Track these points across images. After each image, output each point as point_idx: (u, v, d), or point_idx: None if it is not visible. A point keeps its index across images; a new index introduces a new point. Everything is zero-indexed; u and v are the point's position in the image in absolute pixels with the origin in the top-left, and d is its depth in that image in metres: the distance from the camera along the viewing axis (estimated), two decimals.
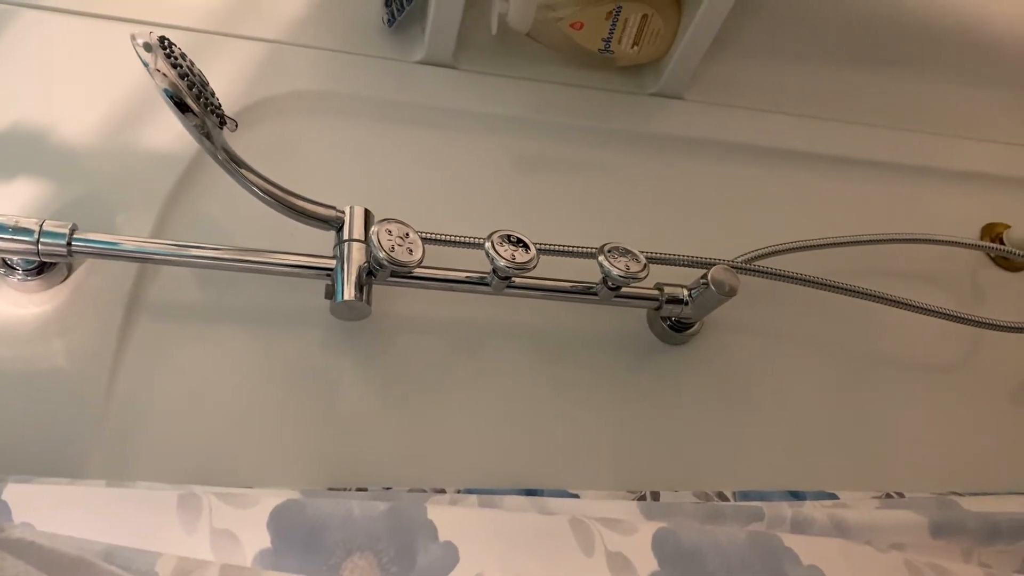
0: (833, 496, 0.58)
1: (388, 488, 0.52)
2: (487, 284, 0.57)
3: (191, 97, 0.47)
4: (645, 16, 0.66)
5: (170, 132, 0.59)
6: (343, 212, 0.56)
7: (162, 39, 0.48)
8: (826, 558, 0.45)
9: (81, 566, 0.28)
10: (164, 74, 0.46)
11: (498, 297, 0.58)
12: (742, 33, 0.72)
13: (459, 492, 0.51)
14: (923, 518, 0.51)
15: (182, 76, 0.47)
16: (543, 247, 0.56)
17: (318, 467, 0.55)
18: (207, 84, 0.50)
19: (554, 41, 0.68)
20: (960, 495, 0.59)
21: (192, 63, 0.49)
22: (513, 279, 0.57)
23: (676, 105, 0.73)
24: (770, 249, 0.65)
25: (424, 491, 0.52)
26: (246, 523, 0.41)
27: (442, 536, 0.42)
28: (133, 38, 0.47)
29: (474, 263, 0.57)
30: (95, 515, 0.40)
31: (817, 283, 0.63)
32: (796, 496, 0.58)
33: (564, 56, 0.71)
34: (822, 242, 0.66)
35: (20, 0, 0.61)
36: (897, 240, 0.69)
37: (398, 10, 0.66)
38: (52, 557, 0.27)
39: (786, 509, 0.51)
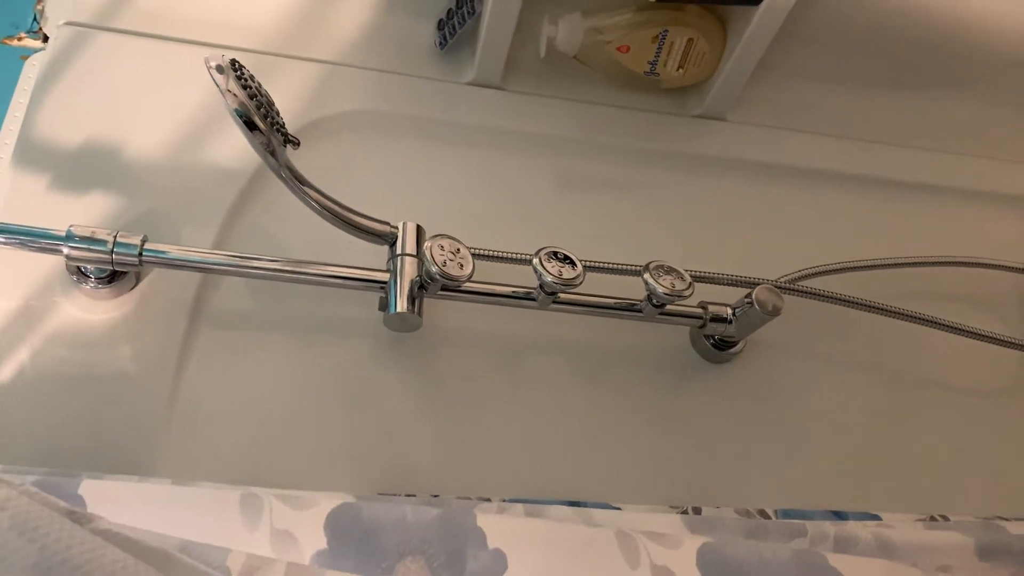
0: (876, 517, 0.58)
1: (436, 496, 0.54)
2: (533, 299, 0.58)
3: (259, 116, 0.50)
4: (691, 40, 0.67)
5: (232, 149, 0.62)
6: (396, 228, 0.58)
7: (233, 62, 0.50)
8: None
9: (164, 557, 0.30)
10: (235, 95, 0.49)
11: (541, 312, 0.59)
12: (786, 55, 0.73)
13: (504, 501, 0.52)
14: (970, 539, 0.51)
15: (251, 97, 0.50)
16: (588, 264, 0.58)
17: (368, 473, 0.56)
18: (273, 104, 0.53)
19: (601, 63, 0.70)
20: (1006, 519, 0.58)
21: (260, 84, 0.52)
22: (559, 295, 0.58)
23: (720, 126, 0.74)
24: (814, 270, 0.65)
25: (471, 499, 0.53)
26: (304, 524, 0.43)
27: (491, 543, 0.43)
28: (207, 61, 0.49)
29: (520, 278, 0.58)
30: (163, 511, 0.42)
31: (862, 305, 0.64)
32: (839, 516, 0.58)
33: (610, 78, 0.73)
34: (867, 264, 0.67)
35: (97, 23, 0.65)
36: (944, 263, 0.69)
37: (450, 33, 0.69)
38: (140, 548, 0.29)
39: (829, 527, 0.51)
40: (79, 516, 0.29)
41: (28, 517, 0.25)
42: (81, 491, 0.43)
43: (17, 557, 0.25)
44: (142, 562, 0.27)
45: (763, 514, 0.57)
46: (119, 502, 0.43)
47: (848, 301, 0.63)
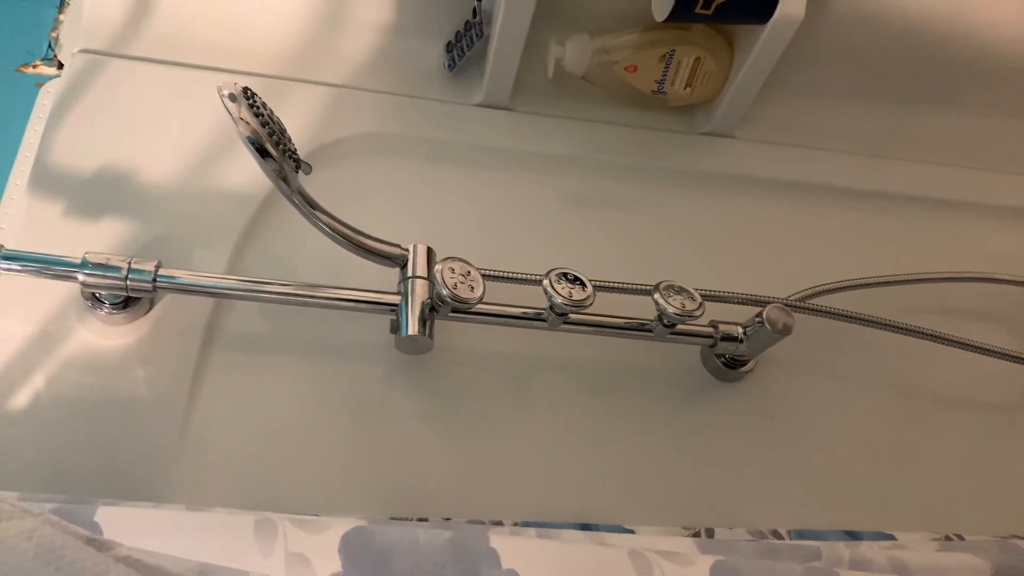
0: (891, 537, 0.57)
1: (448, 519, 0.54)
2: (543, 320, 0.58)
3: (271, 143, 0.51)
4: (698, 59, 0.68)
5: (244, 174, 0.63)
6: (407, 250, 0.58)
7: (245, 89, 0.51)
8: None
9: None
10: (247, 122, 0.50)
11: (551, 333, 0.59)
12: (793, 73, 0.73)
13: (516, 525, 0.52)
14: (985, 562, 0.50)
15: (263, 124, 0.51)
16: (598, 284, 0.58)
17: (380, 496, 0.57)
18: (285, 131, 0.53)
19: (608, 83, 0.70)
20: (1021, 538, 0.58)
21: (272, 111, 0.52)
22: (569, 315, 0.58)
23: (727, 144, 0.74)
24: (824, 287, 0.65)
25: (483, 523, 0.53)
26: (318, 548, 0.43)
27: (505, 564, 0.43)
28: (219, 90, 0.50)
29: (530, 299, 0.58)
30: (179, 537, 0.43)
31: (874, 322, 0.63)
32: (852, 536, 0.58)
33: (618, 97, 0.73)
34: (877, 280, 0.66)
35: (111, 51, 0.66)
36: (955, 279, 0.68)
37: (459, 55, 0.69)
38: (160, 574, 0.29)
39: (843, 549, 0.51)
40: (100, 543, 0.30)
41: (53, 546, 0.26)
42: (97, 518, 0.43)
43: None
44: None
45: (776, 535, 0.57)
46: (135, 528, 0.43)
47: (859, 319, 0.63)
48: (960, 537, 0.58)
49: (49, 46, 0.76)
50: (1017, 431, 0.69)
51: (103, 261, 0.53)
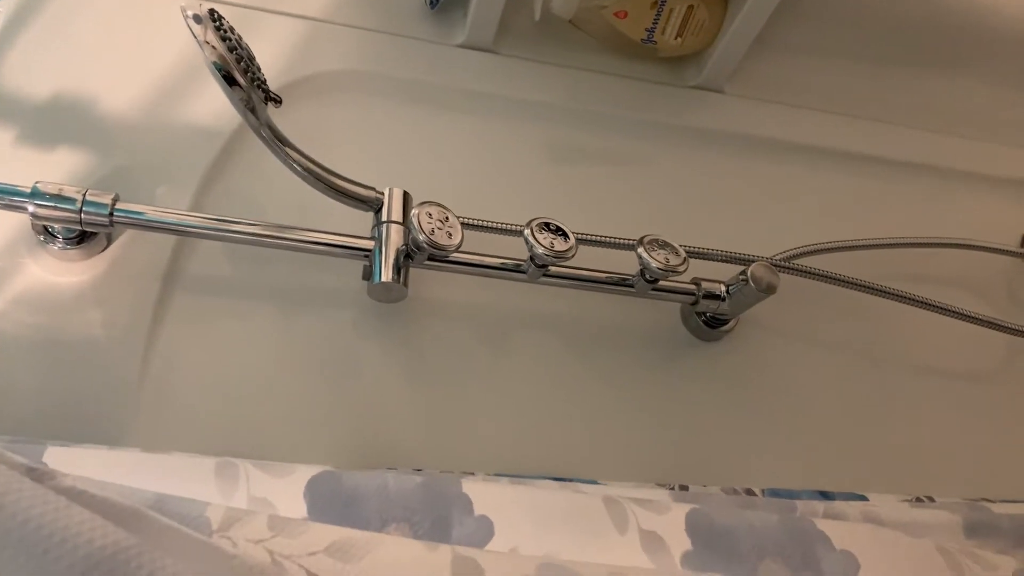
0: (863, 498, 0.57)
1: (419, 470, 0.52)
2: (523, 272, 0.57)
3: (239, 71, 0.47)
4: (690, 7, 0.65)
5: (210, 107, 0.59)
6: (382, 193, 0.56)
7: (212, 11, 0.48)
8: (859, 543, 0.44)
9: (135, 515, 0.28)
10: (213, 47, 0.46)
11: (530, 286, 0.58)
12: (785, 29, 0.72)
13: (489, 475, 0.51)
14: (957, 517, 0.51)
15: (231, 49, 0.47)
16: (581, 236, 0.56)
17: (347, 446, 0.55)
18: (254, 59, 0.50)
19: (597, 29, 0.68)
20: (991, 501, 0.58)
21: (240, 37, 0.49)
22: (549, 267, 0.56)
23: (716, 99, 0.73)
24: (808, 248, 0.64)
25: (453, 473, 0.51)
26: (283, 492, 0.41)
27: (477, 510, 0.42)
28: (183, 10, 0.47)
29: (508, 250, 0.56)
30: (134, 480, 0.40)
31: (857, 284, 0.63)
32: (825, 496, 0.57)
33: (606, 45, 0.71)
34: (861, 243, 0.66)
35: None
36: (937, 244, 0.68)
37: None
38: (107, 505, 0.27)
39: (818, 506, 0.50)
40: (39, 474, 0.27)
41: None
42: (45, 458, 0.41)
43: None
44: (110, 522, 0.25)
45: (750, 493, 0.56)
46: (86, 471, 0.41)
47: (841, 280, 0.62)
48: (931, 499, 0.58)
49: None
50: (990, 399, 0.69)
51: (56, 191, 0.50)
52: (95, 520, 0.25)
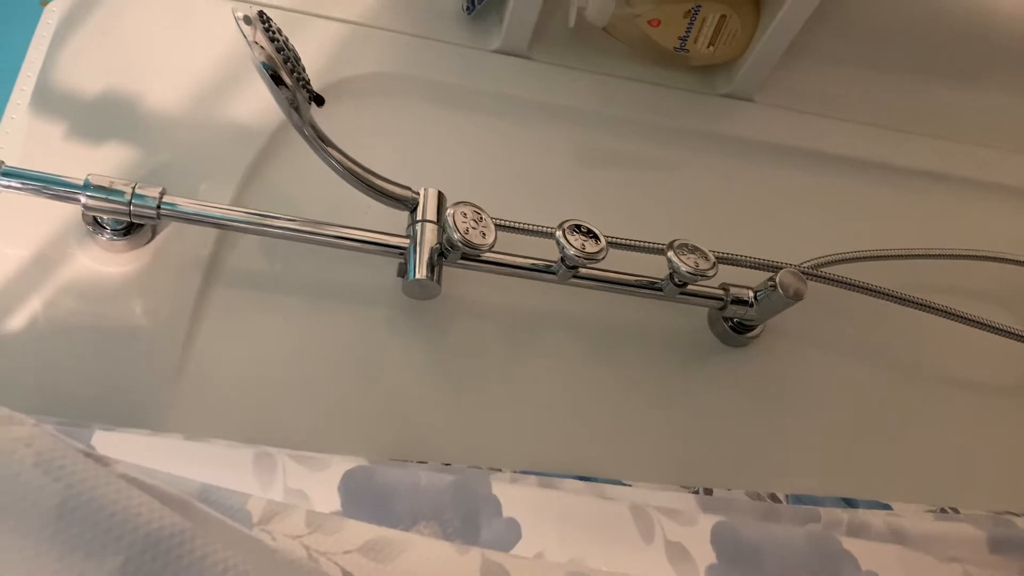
0: (886, 507, 0.58)
1: (448, 464, 0.53)
2: (553, 272, 0.58)
3: (285, 71, 0.49)
4: (723, 16, 0.66)
5: (254, 105, 0.61)
6: (418, 193, 0.57)
7: (261, 13, 0.49)
8: (885, 565, 0.44)
9: (183, 504, 0.29)
10: (262, 47, 0.48)
11: (559, 287, 0.59)
12: (817, 40, 0.72)
13: (517, 472, 0.51)
14: (981, 532, 0.51)
15: (278, 50, 0.49)
16: (611, 240, 0.57)
17: (378, 439, 0.56)
18: (300, 60, 0.51)
19: (630, 37, 0.69)
20: (1016, 515, 0.58)
21: (287, 38, 0.51)
22: (579, 269, 0.57)
23: (746, 107, 0.73)
24: (837, 257, 0.65)
25: (482, 468, 0.52)
26: (318, 485, 0.42)
27: (506, 512, 0.43)
28: (234, 12, 0.48)
29: (538, 251, 0.57)
30: (176, 466, 0.42)
31: (883, 294, 0.63)
32: (849, 503, 0.58)
33: (639, 52, 0.71)
34: (891, 253, 0.66)
35: None
36: (971, 257, 0.68)
37: None
38: (157, 493, 0.28)
39: (842, 514, 0.51)
40: (98, 458, 0.29)
41: (54, 455, 0.25)
42: (94, 442, 0.42)
43: (41, 495, 0.24)
44: (166, 507, 0.27)
45: (774, 498, 0.57)
46: (131, 455, 0.42)
47: (869, 289, 0.63)
48: (955, 510, 0.58)
49: None
50: (1016, 413, 0.69)
51: (107, 184, 0.51)
52: (152, 503, 0.26)
